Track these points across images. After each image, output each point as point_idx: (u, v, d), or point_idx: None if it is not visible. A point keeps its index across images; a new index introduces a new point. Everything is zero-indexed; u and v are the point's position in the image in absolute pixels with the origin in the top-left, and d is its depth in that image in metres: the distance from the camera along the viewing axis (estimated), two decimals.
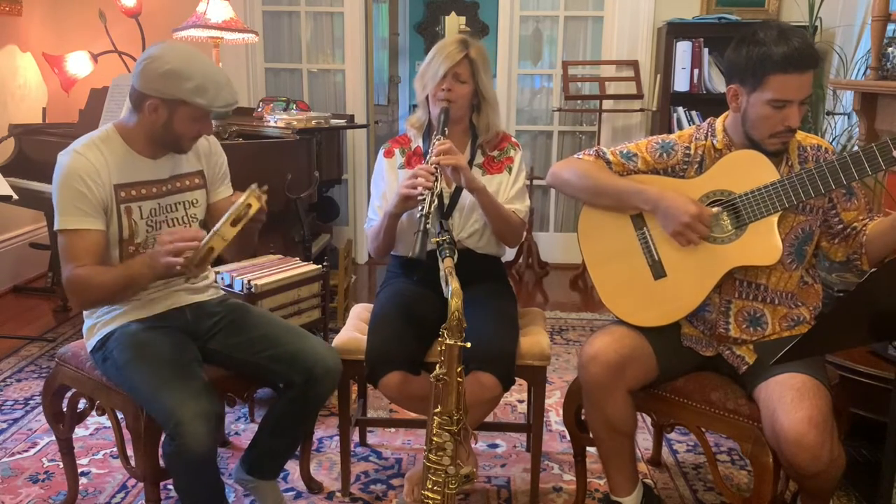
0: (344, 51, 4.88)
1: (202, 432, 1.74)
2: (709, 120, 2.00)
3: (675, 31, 4.34)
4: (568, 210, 4.99)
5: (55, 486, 2.34)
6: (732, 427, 1.88)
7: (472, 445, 2.36)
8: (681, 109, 4.43)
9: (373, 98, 5.07)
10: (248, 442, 2.17)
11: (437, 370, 1.71)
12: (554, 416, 2.80)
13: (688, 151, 1.97)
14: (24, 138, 3.83)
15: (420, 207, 2.02)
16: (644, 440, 2.63)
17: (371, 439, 2.65)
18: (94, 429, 2.69)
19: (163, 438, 1.84)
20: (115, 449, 2.41)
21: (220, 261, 2.30)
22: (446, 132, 2.17)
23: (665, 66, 4.37)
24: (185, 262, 1.75)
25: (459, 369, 1.71)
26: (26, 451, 2.55)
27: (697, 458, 2.55)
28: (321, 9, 4.88)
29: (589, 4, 4.76)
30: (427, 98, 2.24)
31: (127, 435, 1.99)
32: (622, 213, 1.99)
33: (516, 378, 2.09)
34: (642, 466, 2.49)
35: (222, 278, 2.66)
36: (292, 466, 2.40)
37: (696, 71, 4.35)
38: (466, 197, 2.20)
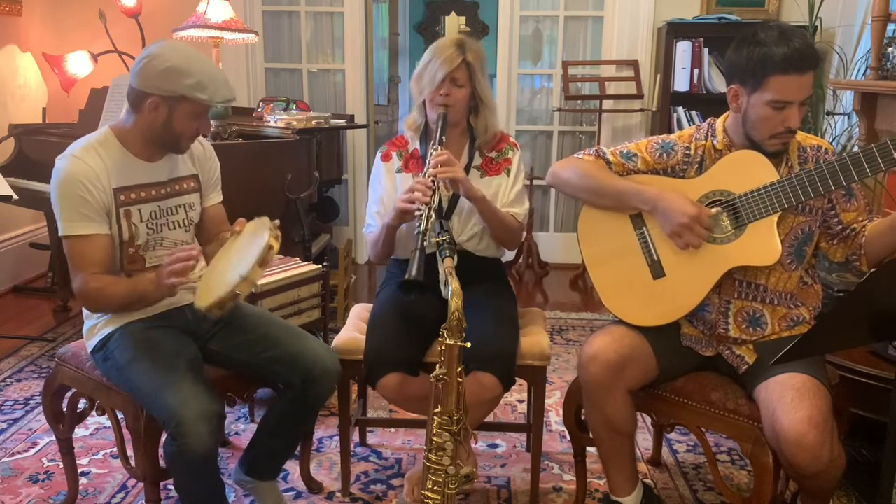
0: (344, 51, 4.88)
1: (203, 432, 1.74)
2: (709, 120, 2.00)
3: (675, 31, 4.34)
4: (568, 210, 4.99)
5: (55, 486, 2.34)
6: (732, 427, 1.88)
7: (472, 445, 2.36)
8: (681, 109, 4.43)
9: (373, 98, 5.07)
10: (248, 442, 2.17)
11: (437, 370, 1.71)
12: (554, 416, 2.80)
13: (688, 151, 1.97)
14: (24, 138, 3.83)
15: (417, 223, 2.01)
16: (644, 440, 2.63)
17: (371, 439, 2.65)
18: (94, 429, 2.69)
19: (163, 438, 1.84)
20: (115, 449, 2.41)
21: None
22: (444, 140, 2.16)
23: (665, 66, 4.37)
24: (211, 306, 1.75)
25: (459, 369, 1.71)
26: (26, 451, 2.56)
27: (697, 458, 2.55)
28: (321, 9, 4.88)
29: (589, 4, 4.76)
30: (424, 101, 2.23)
31: (127, 435, 2.00)
32: (622, 213, 1.99)
33: (516, 378, 2.09)
34: (642, 466, 2.49)
35: None
36: (292, 466, 2.40)
37: (696, 71, 4.35)
38: (465, 201, 2.19)
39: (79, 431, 2.48)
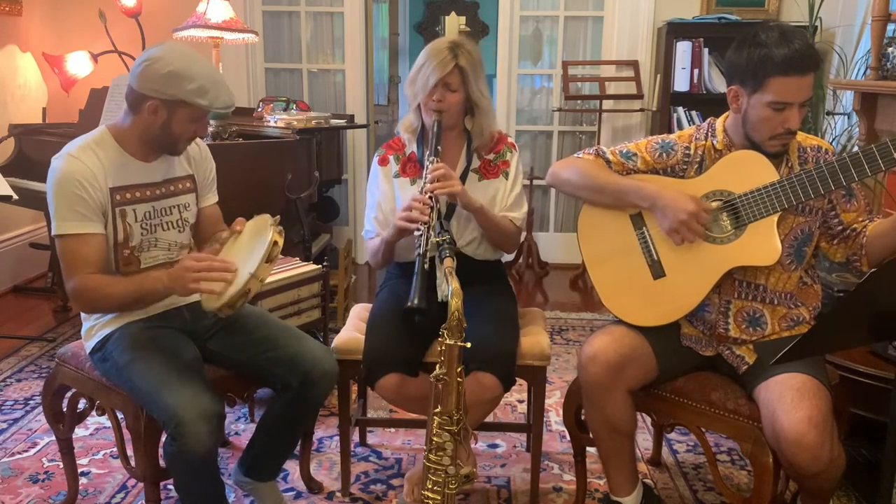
0: (344, 51, 4.88)
1: (203, 432, 1.74)
2: (709, 120, 2.00)
3: (675, 31, 4.34)
4: (568, 210, 4.99)
5: (55, 486, 2.34)
6: (732, 427, 1.88)
7: (472, 445, 2.36)
8: (681, 109, 4.43)
9: (373, 98, 5.07)
10: (247, 443, 2.17)
11: (437, 370, 1.71)
12: (554, 416, 2.80)
13: (688, 151, 1.97)
14: (24, 138, 3.83)
15: (416, 244, 2.00)
16: (644, 440, 2.63)
17: (371, 439, 2.65)
18: (94, 429, 2.69)
19: (163, 439, 1.84)
20: (115, 449, 2.41)
21: None
22: (440, 151, 2.13)
23: (665, 66, 4.37)
24: (222, 306, 1.76)
25: (459, 369, 1.71)
26: (26, 451, 2.55)
27: (697, 458, 2.55)
28: (321, 9, 4.88)
29: (589, 4, 4.76)
30: (419, 105, 2.22)
31: (127, 435, 1.99)
32: (622, 213, 1.99)
33: (516, 378, 2.09)
34: (642, 466, 2.49)
35: None
36: (292, 466, 2.40)
37: (696, 71, 4.35)
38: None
39: (79, 431, 2.48)
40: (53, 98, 4.54)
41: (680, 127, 4.33)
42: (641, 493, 2.05)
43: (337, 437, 2.51)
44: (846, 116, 3.93)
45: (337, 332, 2.33)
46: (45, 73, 4.47)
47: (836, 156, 1.90)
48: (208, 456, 1.80)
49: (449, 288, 1.71)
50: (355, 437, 2.60)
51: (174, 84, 1.82)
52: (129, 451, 2.04)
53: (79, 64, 4.14)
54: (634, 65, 4.52)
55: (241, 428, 2.72)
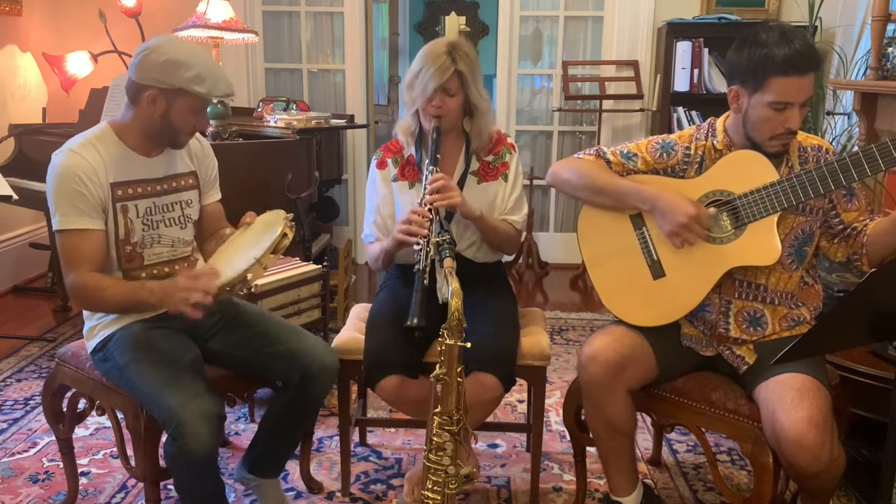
0: (344, 51, 4.88)
1: (204, 433, 1.74)
2: (709, 120, 2.00)
3: (675, 31, 4.34)
4: (568, 210, 4.99)
5: (55, 486, 2.34)
6: (732, 427, 1.88)
7: (473, 445, 2.35)
8: (681, 109, 4.43)
9: (373, 98, 5.07)
10: (248, 442, 2.17)
11: (437, 370, 1.71)
12: (554, 416, 2.80)
13: (688, 151, 1.97)
14: (24, 138, 3.84)
15: (417, 259, 2.00)
16: (644, 440, 2.63)
17: (371, 439, 2.65)
18: (94, 429, 2.69)
19: (164, 439, 1.84)
20: (115, 449, 2.41)
21: None
22: (438, 160, 2.12)
23: (665, 66, 4.37)
24: (220, 288, 1.76)
25: (459, 369, 1.71)
26: (26, 451, 2.55)
27: (697, 458, 2.55)
28: (321, 9, 4.88)
29: (589, 4, 4.76)
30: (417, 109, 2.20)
31: (127, 435, 2.00)
32: (621, 213, 1.99)
33: (517, 378, 2.09)
34: (642, 466, 2.49)
35: None
36: (292, 466, 2.40)
37: (696, 71, 4.35)
38: None
39: (79, 431, 2.48)
40: (53, 98, 4.54)
41: (680, 127, 4.33)
42: (642, 493, 2.05)
43: (337, 437, 2.51)
44: (846, 116, 3.93)
45: (337, 332, 2.33)
46: (45, 73, 4.47)
47: (836, 156, 1.90)
48: (209, 456, 1.80)
49: (449, 288, 1.71)
50: (355, 437, 2.60)
51: (172, 72, 1.82)
52: (129, 451, 2.04)
53: (79, 64, 4.14)
54: (634, 65, 4.52)
55: (241, 428, 2.72)
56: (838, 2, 4.11)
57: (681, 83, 4.37)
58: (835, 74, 4.01)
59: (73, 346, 2.14)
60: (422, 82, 2.11)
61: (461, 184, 2.20)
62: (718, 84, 4.35)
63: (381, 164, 2.28)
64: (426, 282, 1.93)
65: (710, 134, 1.96)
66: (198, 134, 2.10)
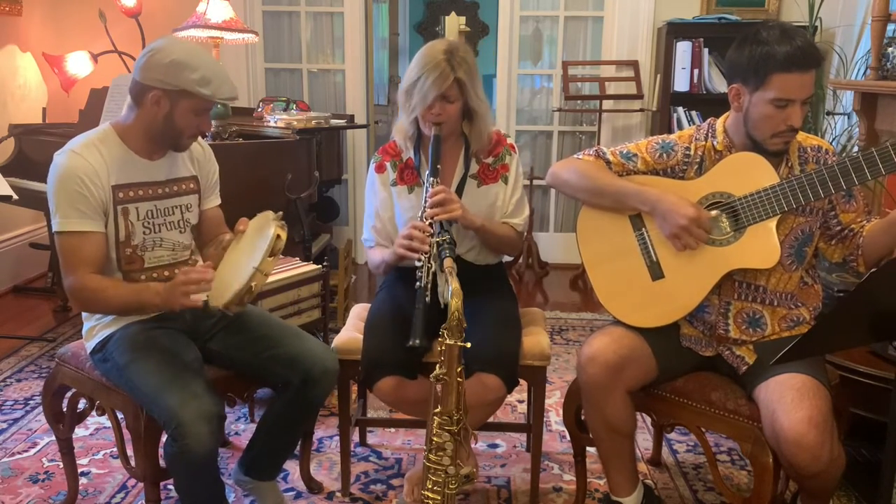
0: (344, 51, 4.88)
1: (204, 433, 1.74)
2: (709, 120, 2.00)
3: (675, 31, 4.34)
4: (568, 210, 4.99)
5: (55, 486, 2.34)
6: (732, 427, 1.88)
7: (473, 445, 2.35)
8: (681, 109, 4.43)
9: (373, 98, 5.07)
10: (248, 442, 2.17)
11: (437, 370, 1.71)
12: (554, 416, 2.80)
13: (688, 152, 1.96)
14: (24, 138, 3.83)
15: (418, 276, 1.98)
16: (644, 440, 2.63)
17: (371, 439, 2.65)
18: (94, 429, 2.69)
19: (164, 439, 1.84)
20: (115, 449, 2.41)
21: None
22: (439, 170, 2.11)
23: (665, 66, 4.37)
24: (228, 303, 1.76)
25: (459, 369, 1.71)
26: (26, 451, 2.55)
27: (697, 458, 2.55)
28: (321, 9, 4.88)
29: (589, 4, 4.76)
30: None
31: (127, 435, 2.00)
32: (621, 214, 1.99)
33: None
34: (642, 466, 2.49)
35: None
36: (292, 466, 2.40)
37: (696, 71, 4.35)
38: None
39: (79, 431, 2.48)
40: (53, 98, 4.54)
41: (680, 127, 4.33)
42: (642, 493, 2.05)
43: (337, 437, 2.51)
44: (846, 116, 3.93)
45: (337, 332, 2.33)
46: (45, 73, 4.47)
47: (835, 156, 1.90)
48: (208, 456, 1.80)
49: (449, 288, 1.71)
50: (355, 437, 2.60)
51: (177, 73, 1.81)
52: (129, 451, 2.04)
53: (79, 64, 4.14)
54: (634, 65, 4.52)
55: (241, 428, 2.72)
56: (838, 2, 4.11)
57: (681, 83, 4.37)
58: (835, 74, 4.01)
59: (73, 346, 2.14)
60: (421, 90, 2.07)
61: (461, 187, 2.19)
62: (718, 84, 4.35)
63: (380, 168, 2.26)
64: (428, 299, 1.92)
65: (709, 134, 1.96)
66: (200, 139, 2.10)
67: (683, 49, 4.33)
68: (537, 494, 2.27)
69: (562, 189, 2.08)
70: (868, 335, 1.73)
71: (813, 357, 1.79)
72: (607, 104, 4.58)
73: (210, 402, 1.79)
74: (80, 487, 2.29)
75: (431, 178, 2.09)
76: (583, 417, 2.07)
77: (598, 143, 4.42)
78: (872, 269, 1.46)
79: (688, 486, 2.39)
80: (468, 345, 1.69)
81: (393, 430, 2.72)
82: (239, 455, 2.18)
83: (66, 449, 2.18)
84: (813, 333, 1.62)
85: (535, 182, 4.51)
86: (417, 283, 1.97)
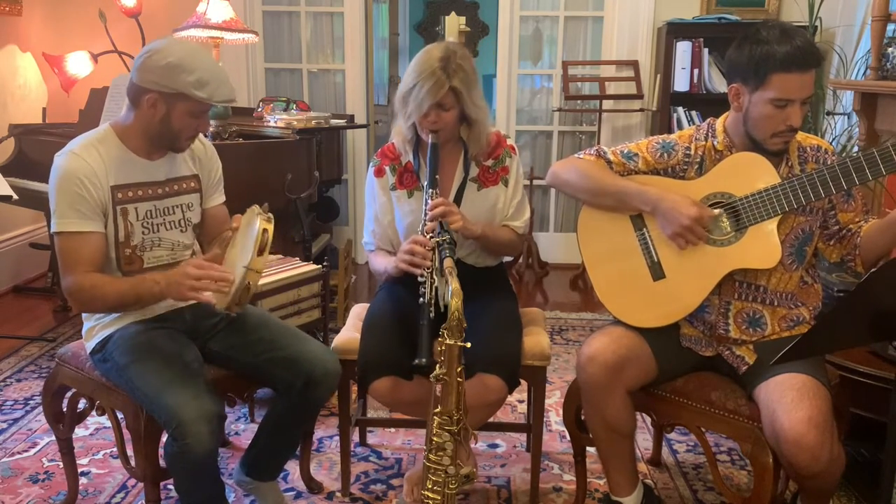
0: (344, 51, 4.88)
1: (204, 433, 1.74)
2: (709, 120, 2.00)
3: (675, 31, 4.34)
4: (568, 210, 4.99)
5: (55, 486, 2.34)
6: (732, 427, 1.88)
7: (473, 445, 2.35)
8: (681, 109, 4.43)
9: (373, 98, 5.07)
10: (248, 442, 2.17)
11: (437, 370, 1.71)
12: (554, 416, 2.80)
13: (688, 152, 1.96)
14: (24, 138, 3.84)
15: (421, 291, 1.97)
16: (644, 440, 2.63)
17: (371, 439, 2.65)
18: (94, 429, 2.69)
19: (164, 439, 1.84)
20: (115, 449, 2.41)
21: None
22: (438, 180, 2.10)
23: (665, 66, 4.37)
24: (229, 305, 1.76)
25: (459, 369, 1.71)
26: (26, 451, 2.55)
27: (697, 458, 2.55)
28: (321, 9, 4.88)
29: (589, 4, 4.76)
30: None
31: (127, 435, 1.99)
32: (622, 214, 1.99)
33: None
34: (642, 466, 2.49)
35: None
36: (292, 466, 2.40)
37: (696, 71, 4.35)
38: (465, 214, 2.15)
39: (79, 431, 2.48)
40: (53, 98, 4.54)
41: (680, 127, 4.33)
42: (642, 493, 2.05)
43: (337, 437, 2.51)
44: (846, 116, 3.92)
45: (337, 332, 2.33)
46: (45, 73, 4.47)
47: (835, 156, 1.90)
48: (209, 457, 1.79)
49: (449, 288, 1.71)
50: (355, 437, 2.60)
51: (173, 76, 1.80)
52: (129, 451, 2.03)
53: (79, 64, 4.14)
54: (634, 65, 4.52)
55: (241, 428, 2.72)
56: (838, 2, 4.11)
57: (681, 83, 4.37)
58: (835, 74, 4.01)
59: (73, 346, 2.14)
60: (416, 98, 2.05)
61: (461, 191, 2.19)
62: (718, 84, 4.35)
63: (379, 172, 2.25)
64: (432, 315, 1.91)
65: (709, 134, 1.96)
66: (201, 136, 2.09)
67: (683, 49, 4.33)
68: (537, 494, 2.27)
69: (562, 189, 2.08)
70: (868, 335, 1.73)
71: (813, 357, 1.79)
72: (607, 104, 4.58)
73: (210, 402, 1.79)
74: (80, 487, 2.29)
75: (430, 190, 2.07)
76: (583, 417, 2.07)
77: (599, 143, 4.42)
78: (872, 270, 1.46)
79: (688, 486, 2.39)
80: (468, 345, 1.69)
81: (393, 430, 2.72)
82: (239, 455, 2.19)
83: (66, 449, 2.18)
84: (813, 333, 1.62)
85: (535, 182, 4.51)
86: (420, 299, 1.96)
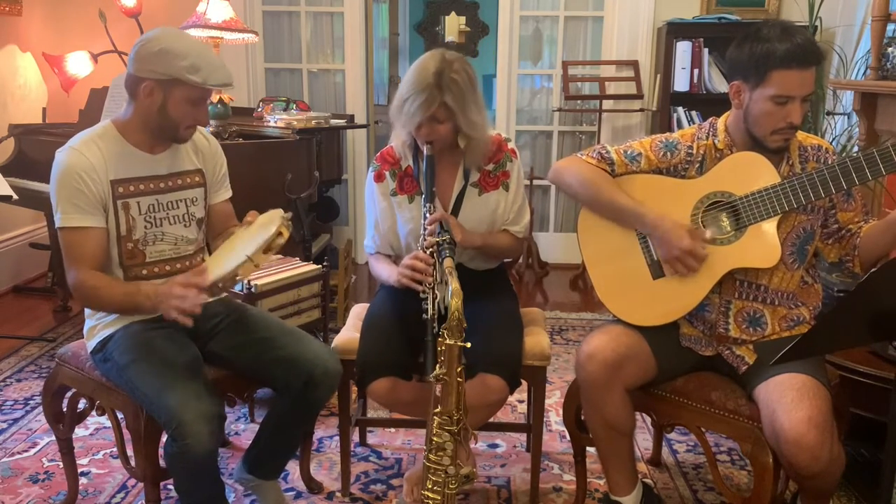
0: (344, 51, 4.88)
1: (204, 433, 1.74)
2: (710, 120, 2.00)
3: (674, 31, 4.34)
4: (568, 210, 4.99)
5: (55, 486, 2.34)
6: (732, 427, 1.88)
7: (472, 445, 2.35)
8: (681, 109, 4.43)
9: (373, 98, 5.07)
10: (248, 442, 2.17)
11: (437, 370, 1.71)
12: (554, 416, 2.80)
13: (690, 150, 1.97)
14: (24, 138, 3.83)
15: (424, 306, 1.96)
16: (644, 440, 2.63)
17: (371, 439, 2.65)
18: (94, 429, 2.69)
19: (164, 439, 1.84)
20: (115, 449, 2.41)
21: None
22: (435, 193, 2.08)
23: (665, 66, 4.37)
24: (211, 285, 1.75)
25: (459, 369, 1.71)
26: (26, 451, 2.55)
27: (697, 458, 2.55)
28: (321, 9, 4.88)
29: (589, 4, 4.76)
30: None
31: (127, 435, 2.00)
32: None
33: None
34: (642, 466, 2.49)
35: None
36: (292, 466, 2.40)
37: (695, 71, 4.35)
38: (463, 222, 2.15)
39: (79, 431, 2.48)
40: (53, 98, 4.54)
41: (680, 127, 4.32)
42: (641, 492, 2.05)
43: (337, 437, 2.51)
44: (846, 116, 3.93)
45: (337, 332, 2.33)
46: (45, 73, 4.47)
47: (835, 155, 1.90)
48: (208, 457, 1.80)
49: (449, 288, 1.71)
50: (355, 437, 2.60)
51: (166, 61, 1.81)
52: (130, 451, 2.03)
53: (79, 64, 4.14)
54: (634, 65, 4.52)
55: (241, 428, 2.72)
56: (838, 2, 4.11)
57: (681, 83, 4.37)
58: (835, 74, 4.01)
59: (73, 346, 2.14)
60: (408, 111, 2.02)
61: (461, 197, 2.18)
62: (718, 84, 4.35)
63: (379, 177, 2.23)
64: (436, 330, 1.90)
65: (711, 133, 1.96)
66: (206, 132, 2.10)
67: (683, 49, 4.33)
68: (537, 494, 2.28)
69: (563, 190, 2.09)
70: (868, 335, 1.73)
71: (813, 357, 1.79)
72: (607, 104, 4.58)
73: (210, 403, 1.79)
74: (80, 487, 2.29)
75: (428, 205, 2.06)
76: (582, 417, 2.07)
77: (599, 143, 4.42)
78: (872, 270, 1.46)
79: (688, 486, 2.39)
80: (468, 344, 1.69)
81: (393, 430, 2.72)
82: (239, 455, 2.19)
83: (66, 449, 2.18)
84: (813, 333, 1.62)
85: (536, 182, 4.51)
86: (424, 315, 1.95)
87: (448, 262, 1.81)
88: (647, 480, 2.32)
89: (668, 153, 1.98)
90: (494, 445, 2.63)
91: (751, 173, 1.85)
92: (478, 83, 2.10)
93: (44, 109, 4.36)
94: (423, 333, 1.95)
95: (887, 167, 1.71)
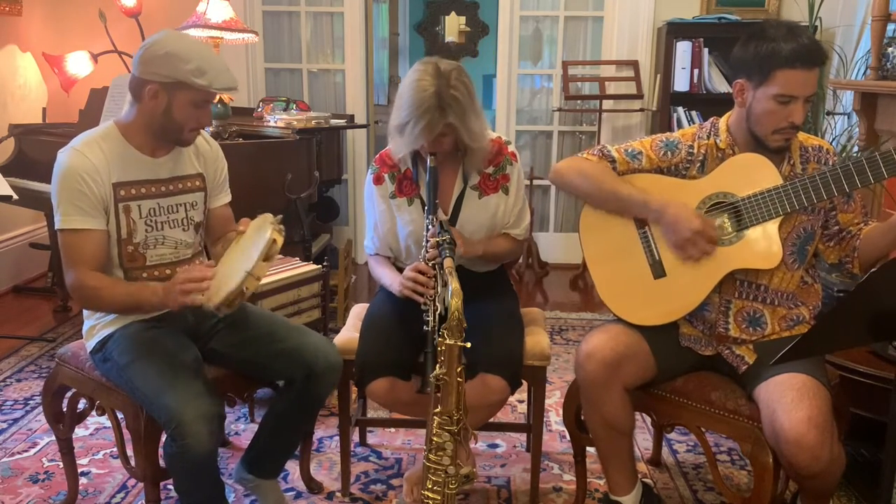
0: (344, 51, 4.88)
1: (204, 433, 1.74)
2: (711, 119, 2.00)
3: (675, 31, 4.34)
4: (568, 210, 4.99)
5: (55, 486, 2.34)
6: (732, 427, 1.88)
7: (472, 445, 2.35)
8: (681, 109, 4.43)
9: (373, 98, 5.07)
10: (248, 442, 2.17)
11: (437, 370, 1.71)
12: (554, 416, 2.80)
13: (691, 150, 1.97)
14: (24, 138, 3.83)
15: (425, 318, 1.96)
16: (644, 440, 2.63)
17: (371, 439, 2.65)
18: (94, 429, 2.69)
19: (163, 439, 1.84)
20: (115, 449, 2.41)
21: None
22: (437, 205, 2.08)
23: (665, 66, 4.37)
24: (219, 304, 1.75)
25: (459, 369, 1.71)
26: (26, 451, 2.55)
27: (697, 458, 2.55)
28: (321, 9, 4.88)
29: (589, 4, 4.76)
30: None
31: (127, 435, 1.99)
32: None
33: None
34: (642, 466, 2.49)
35: None
36: (292, 466, 2.40)
37: (696, 71, 4.35)
38: (463, 225, 2.16)
39: (79, 431, 2.48)
40: (53, 98, 4.54)
41: (680, 127, 4.32)
42: (641, 492, 2.05)
43: (337, 437, 2.50)
44: (846, 116, 3.92)
45: (337, 332, 2.33)
46: (45, 73, 4.47)
47: (836, 156, 1.91)
48: (208, 457, 1.80)
49: (449, 288, 1.71)
50: (355, 437, 2.60)
51: (171, 64, 1.81)
52: (130, 451, 2.03)
53: (79, 64, 4.14)
54: (634, 65, 4.52)
55: (241, 428, 2.72)
56: (838, 2, 4.11)
57: (681, 83, 4.37)
58: (835, 74, 4.01)
59: (73, 346, 2.14)
60: (412, 134, 2.00)
61: (460, 200, 2.18)
62: (718, 84, 4.35)
63: (378, 180, 2.23)
64: (436, 341, 1.88)
65: (712, 133, 1.96)
66: (207, 135, 2.09)
67: (683, 49, 4.33)
68: (537, 494, 2.28)
69: (564, 190, 2.09)
70: (868, 335, 1.73)
71: (813, 357, 1.79)
72: (607, 104, 4.58)
73: (210, 402, 1.79)
74: (80, 487, 2.29)
75: (430, 216, 2.06)
76: (582, 417, 2.07)
77: (599, 143, 4.42)
78: (872, 270, 1.46)
79: (688, 486, 2.39)
80: (468, 344, 1.69)
81: (393, 430, 2.72)
82: (239, 455, 2.19)
83: (66, 449, 2.18)
84: (813, 333, 1.62)
85: (536, 182, 4.51)
86: (425, 327, 1.95)
87: (448, 262, 1.81)
88: (647, 480, 2.32)
89: (669, 152, 1.98)
90: (494, 445, 2.63)
91: (753, 175, 1.85)
92: (474, 89, 2.08)
93: (44, 109, 4.37)
94: (423, 333, 1.96)
95: (889, 170, 1.72)
